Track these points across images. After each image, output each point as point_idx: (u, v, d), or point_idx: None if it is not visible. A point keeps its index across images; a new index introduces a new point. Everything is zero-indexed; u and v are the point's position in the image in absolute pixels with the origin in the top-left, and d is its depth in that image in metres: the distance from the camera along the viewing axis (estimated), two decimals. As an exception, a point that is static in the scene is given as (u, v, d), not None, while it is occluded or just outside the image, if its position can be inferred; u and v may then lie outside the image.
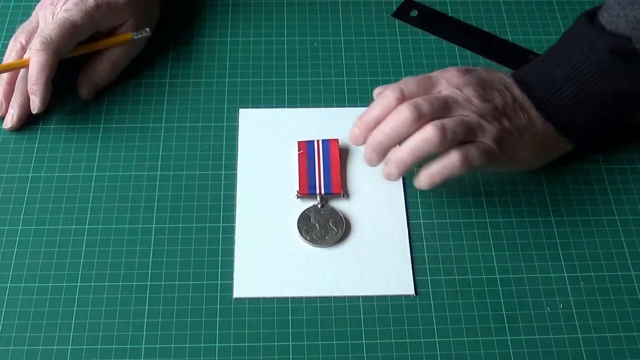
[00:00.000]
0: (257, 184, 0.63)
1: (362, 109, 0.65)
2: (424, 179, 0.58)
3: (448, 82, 0.60)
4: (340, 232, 0.60)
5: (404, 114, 0.57)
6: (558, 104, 0.60)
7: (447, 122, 0.56)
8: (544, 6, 0.76)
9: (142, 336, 0.55)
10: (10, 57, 0.67)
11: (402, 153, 0.58)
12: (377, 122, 0.59)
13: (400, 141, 0.58)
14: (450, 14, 0.76)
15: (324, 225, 0.60)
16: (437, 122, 0.56)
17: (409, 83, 0.60)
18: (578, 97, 0.59)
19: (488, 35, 0.74)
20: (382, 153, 0.59)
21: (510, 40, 0.73)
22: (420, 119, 0.57)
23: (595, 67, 0.58)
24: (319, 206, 0.62)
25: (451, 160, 0.57)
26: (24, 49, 0.67)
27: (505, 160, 0.59)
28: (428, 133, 0.56)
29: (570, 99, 0.59)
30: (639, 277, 0.59)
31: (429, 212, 0.62)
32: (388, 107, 0.59)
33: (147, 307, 0.57)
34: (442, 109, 0.57)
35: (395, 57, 0.72)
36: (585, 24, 0.59)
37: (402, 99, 0.58)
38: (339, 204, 0.62)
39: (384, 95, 0.59)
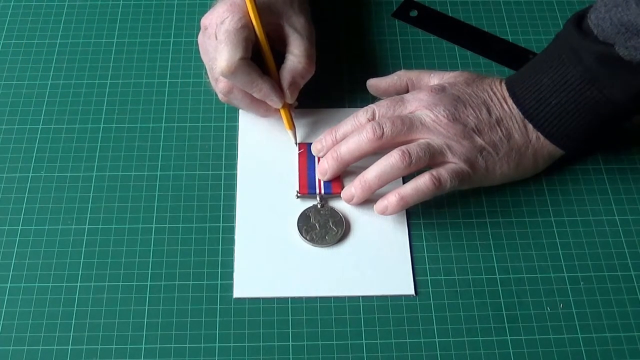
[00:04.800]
0: (257, 184, 0.63)
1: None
2: (396, 200, 0.59)
3: (419, 102, 0.61)
4: (340, 232, 0.60)
5: (367, 130, 0.60)
6: (546, 114, 0.60)
7: (413, 147, 0.59)
8: (544, 6, 0.76)
9: (142, 336, 0.55)
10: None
11: (369, 176, 0.60)
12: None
13: (360, 158, 0.61)
14: (450, 14, 0.75)
15: (324, 225, 0.60)
16: (403, 147, 0.59)
17: (381, 104, 0.62)
18: (566, 106, 0.59)
19: (488, 35, 0.74)
20: (341, 166, 0.62)
21: (510, 40, 0.73)
22: (382, 138, 0.59)
23: (582, 76, 0.58)
24: (319, 206, 0.62)
25: (423, 183, 0.58)
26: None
27: (480, 178, 0.61)
28: (393, 158, 0.59)
29: (558, 108, 0.60)
30: (639, 277, 0.59)
31: (429, 212, 0.62)
32: (358, 126, 0.61)
33: (147, 307, 0.57)
34: (407, 128, 0.60)
35: (395, 57, 0.72)
36: (573, 29, 0.59)
37: (373, 119, 0.61)
38: (339, 204, 0.62)
39: (356, 115, 0.62)
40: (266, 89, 0.62)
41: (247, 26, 0.61)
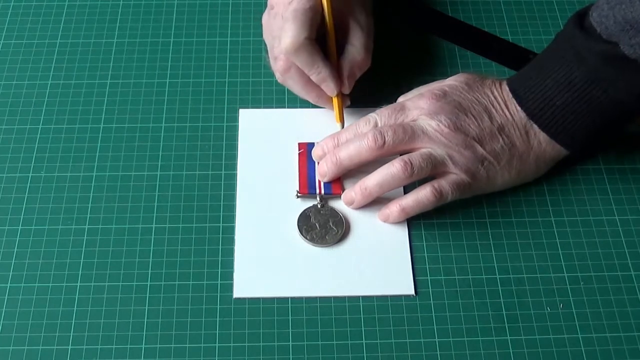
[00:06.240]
0: (257, 183, 0.63)
1: (361, 110, 0.66)
2: (397, 211, 0.59)
3: (420, 110, 0.61)
4: (340, 232, 0.60)
5: (368, 138, 0.60)
6: (551, 114, 0.60)
7: (415, 158, 0.59)
8: (544, 6, 0.76)
9: (142, 336, 0.55)
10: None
11: (370, 184, 0.60)
12: None
13: (359, 165, 0.61)
14: (450, 14, 0.76)
15: (324, 225, 0.60)
16: (406, 157, 0.59)
17: (382, 114, 0.62)
18: (571, 106, 0.59)
19: (488, 35, 0.74)
20: (339, 171, 0.62)
21: (510, 40, 0.73)
22: (384, 147, 0.59)
23: (586, 76, 0.58)
24: (319, 206, 0.62)
25: (424, 196, 0.59)
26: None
27: (482, 187, 0.61)
28: (395, 168, 0.59)
29: (563, 108, 0.59)
30: (639, 277, 0.59)
31: (429, 212, 0.61)
32: (360, 135, 0.61)
33: (147, 307, 0.57)
34: (409, 137, 0.59)
35: (396, 58, 0.72)
36: (575, 28, 0.59)
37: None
38: (339, 204, 0.62)
39: (358, 124, 0.62)
40: (325, 72, 0.62)
41: (314, 8, 0.62)
